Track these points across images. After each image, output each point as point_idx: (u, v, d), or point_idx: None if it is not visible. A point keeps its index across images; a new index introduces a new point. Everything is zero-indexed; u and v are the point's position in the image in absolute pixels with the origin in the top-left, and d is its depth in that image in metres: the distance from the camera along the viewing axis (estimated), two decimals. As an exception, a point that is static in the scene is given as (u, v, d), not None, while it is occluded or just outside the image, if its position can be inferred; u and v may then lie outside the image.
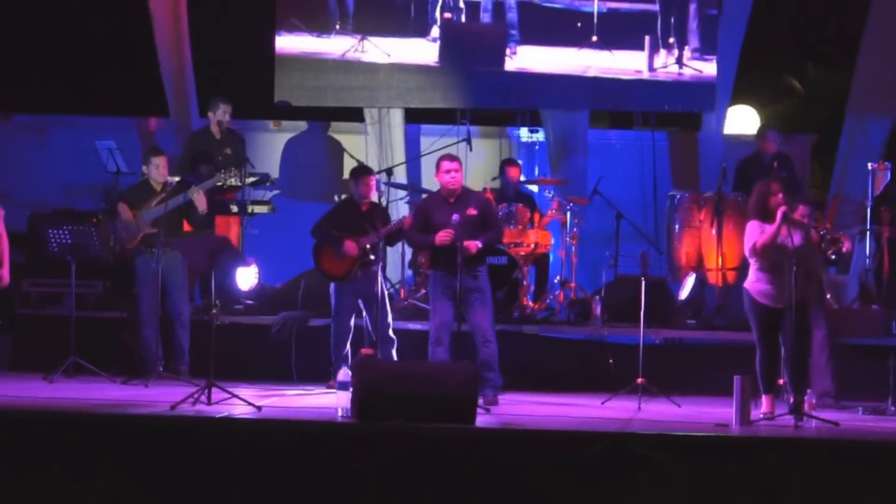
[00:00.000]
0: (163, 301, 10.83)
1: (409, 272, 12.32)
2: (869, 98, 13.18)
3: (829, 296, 9.82)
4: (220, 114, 12.39)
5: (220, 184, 11.38)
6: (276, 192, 13.57)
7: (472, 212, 10.05)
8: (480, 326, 10.02)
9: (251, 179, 12.34)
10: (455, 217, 9.87)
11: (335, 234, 10.72)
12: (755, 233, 9.37)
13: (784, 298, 9.27)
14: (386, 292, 10.84)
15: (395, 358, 10.60)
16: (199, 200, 10.80)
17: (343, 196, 11.73)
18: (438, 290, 10.03)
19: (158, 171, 10.94)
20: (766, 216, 9.32)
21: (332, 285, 10.86)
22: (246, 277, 11.74)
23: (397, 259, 12.29)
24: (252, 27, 14.07)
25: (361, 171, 11.08)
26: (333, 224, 10.84)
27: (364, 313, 10.77)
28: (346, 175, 14.08)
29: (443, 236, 9.83)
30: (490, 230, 10.14)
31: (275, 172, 13.59)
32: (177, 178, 11.52)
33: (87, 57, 14.87)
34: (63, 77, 14.84)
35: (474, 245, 9.90)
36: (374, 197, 11.25)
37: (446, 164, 10.10)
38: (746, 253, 9.49)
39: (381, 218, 10.81)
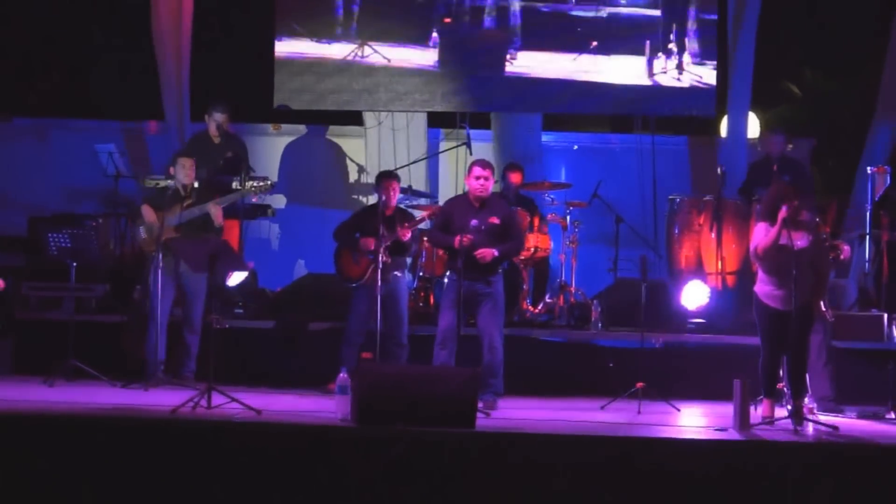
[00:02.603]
0: (176, 305, 10.86)
1: (409, 276, 12.31)
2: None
3: (824, 309, 9.82)
4: (216, 119, 12.40)
5: (254, 191, 11.37)
6: (276, 195, 13.59)
7: (495, 220, 10.02)
8: (488, 332, 10.00)
9: (257, 184, 12.35)
10: (474, 223, 9.86)
11: (354, 237, 10.72)
12: (759, 235, 9.38)
13: (790, 301, 9.28)
14: (406, 298, 10.82)
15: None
16: (216, 214, 10.77)
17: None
18: (451, 294, 9.99)
19: (185, 171, 10.89)
20: (775, 219, 9.31)
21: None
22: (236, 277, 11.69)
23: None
24: (252, 30, 14.08)
25: (382, 175, 11.01)
26: (355, 227, 10.84)
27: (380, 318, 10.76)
28: (346, 179, 14.20)
29: (460, 241, 9.80)
30: (510, 241, 10.12)
31: (274, 176, 13.60)
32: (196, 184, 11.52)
33: (88, 60, 14.88)
34: (63, 80, 14.85)
35: (490, 253, 9.88)
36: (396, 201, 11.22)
37: (478, 170, 10.04)
38: (752, 256, 9.51)
39: (402, 222, 10.70)
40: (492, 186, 10.13)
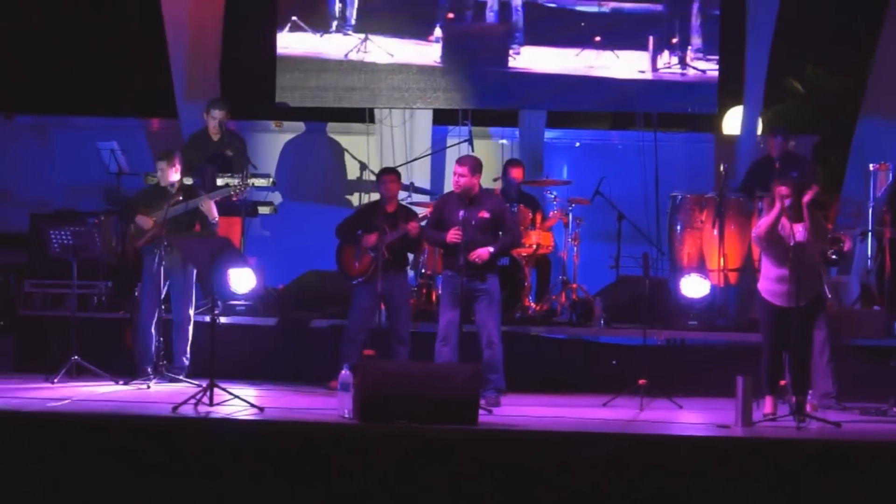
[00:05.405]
0: (166, 302, 10.85)
1: (411, 274, 12.31)
2: (885, 100, 13.16)
3: (829, 296, 9.84)
4: (215, 116, 12.36)
5: (233, 192, 11.31)
6: (277, 193, 13.58)
7: (484, 214, 10.08)
8: (486, 328, 10.04)
9: (260, 182, 12.34)
10: (461, 213, 9.89)
11: (356, 234, 10.75)
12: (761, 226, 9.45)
13: (792, 297, 9.29)
14: (408, 295, 10.83)
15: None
16: (210, 210, 10.75)
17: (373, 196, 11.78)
18: (448, 290, 10.06)
19: (163, 174, 10.88)
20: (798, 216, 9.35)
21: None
22: (242, 280, 11.59)
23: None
24: (254, 27, 14.05)
25: (382, 171, 11.16)
26: (357, 224, 10.88)
27: (384, 314, 10.76)
28: (347, 176, 14.19)
29: (452, 236, 9.89)
30: (504, 235, 10.17)
31: (275, 173, 13.58)
32: (191, 181, 11.48)
33: (90, 57, 14.87)
34: (65, 78, 14.84)
35: (486, 252, 9.94)
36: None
37: (455, 168, 10.21)
38: (753, 240, 9.53)
39: (405, 219, 10.78)
40: (466, 182, 10.08)
